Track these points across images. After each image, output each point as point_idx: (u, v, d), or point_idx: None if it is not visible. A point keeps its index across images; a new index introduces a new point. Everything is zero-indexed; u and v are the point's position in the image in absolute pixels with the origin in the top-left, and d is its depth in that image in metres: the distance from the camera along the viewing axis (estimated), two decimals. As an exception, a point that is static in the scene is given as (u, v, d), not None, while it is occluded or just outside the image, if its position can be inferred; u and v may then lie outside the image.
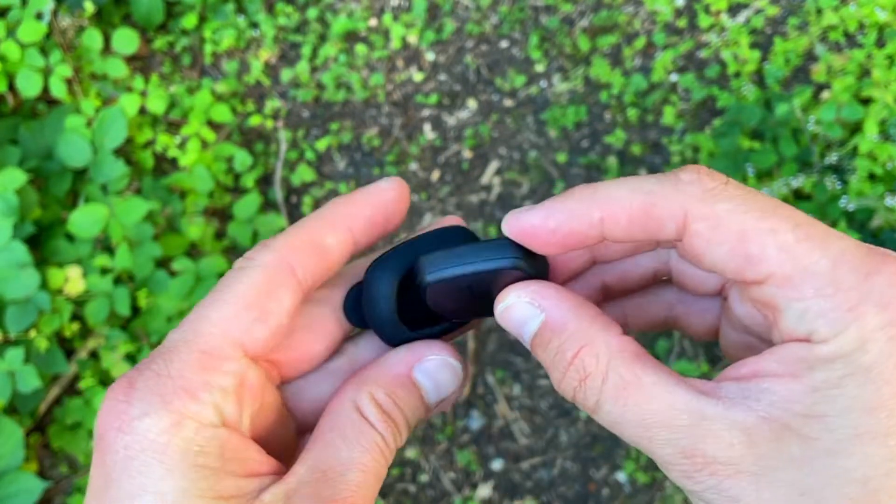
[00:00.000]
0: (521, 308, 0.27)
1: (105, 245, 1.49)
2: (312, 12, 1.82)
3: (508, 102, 1.73)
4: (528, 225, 0.27)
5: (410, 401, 0.29)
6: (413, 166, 1.71)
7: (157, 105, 1.63)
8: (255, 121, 1.75)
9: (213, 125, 1.71)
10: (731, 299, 0.31)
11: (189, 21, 1.78)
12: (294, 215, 1.70)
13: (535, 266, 0.29)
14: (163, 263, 1.53)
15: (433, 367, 0.29)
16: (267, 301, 0.27)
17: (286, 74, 1.79)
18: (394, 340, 0.30)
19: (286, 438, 0.31)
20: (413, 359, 0.29)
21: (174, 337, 0.26)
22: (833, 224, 1.40)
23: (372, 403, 0.28)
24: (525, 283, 0.28)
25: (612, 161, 1.65)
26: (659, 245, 0.31)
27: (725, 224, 0.25)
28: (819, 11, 1.67)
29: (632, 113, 1.67)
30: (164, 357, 0.25)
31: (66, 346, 1.49)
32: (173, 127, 1.73)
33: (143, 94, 1.67)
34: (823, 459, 0.23)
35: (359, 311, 0.31)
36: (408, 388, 0.28)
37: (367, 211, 0.30)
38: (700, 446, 0.24)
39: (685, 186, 0.25)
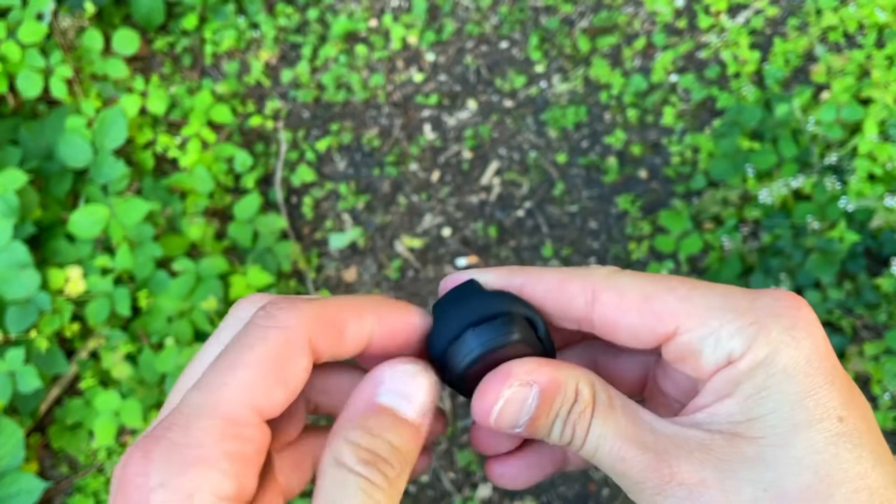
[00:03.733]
0: (519, 393, 0.28)
1: (105, 245, 1.50)
2: (313, 13, 1.82)
3: (508, 103, 1.73)
4: (458, 282, 0.32)
5: (385, 426, 0.28)
6: (413, 167, 1.71)
7: (157, 106, 1.64)
8: (255, 121, 1.75)
9: (214, 126, 1.71)
10: (657, 380, 0.34)
11: (189, 22, 1.79)
12: (294, 215, 1.70)
13: (535, 338, 0.30)
14: (163, 264, 1.53)
15: (392, 383, 0.28)
16: (286, 367, 0.26)
17: (286, 75, 1.79)
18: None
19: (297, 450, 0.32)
20: (374, 384, 0.28)
21: (193, 401, 0.25)
22: (833, 224, 1.40)
23: (349, 448, 0.27)
24: (502, 373, 0.29)
25: (611, 161, 1.65)
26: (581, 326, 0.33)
27: (629, 291, 0.29)
28: (819, 12, 1.68)
29: (631, 113, 1.67)
30: (183, 425, 0.25)
31: (67, 347, 1.50)
32: (174, 127, 1.73)
33: (144, 94, 1.67)
34: (774, 452, 0.26)
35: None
36: (378, 414, 0.28)
37: (397, 328, 0.29)
38: (666, 459, 0.26)
39: (593, 271, 0.30)
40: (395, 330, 0.29)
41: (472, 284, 0.31)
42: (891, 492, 0.25)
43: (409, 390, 0.28)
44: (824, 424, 0.26)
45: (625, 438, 0.27)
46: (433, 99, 1.75)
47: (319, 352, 0.27)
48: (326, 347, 0.28)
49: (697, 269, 1.55)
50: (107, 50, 1.71)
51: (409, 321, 0.30)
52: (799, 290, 1.41)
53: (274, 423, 0.28)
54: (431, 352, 0.30)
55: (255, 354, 0.26)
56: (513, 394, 0.28)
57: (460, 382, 0.30)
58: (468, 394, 0.31)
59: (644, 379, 0.34)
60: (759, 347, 0.27)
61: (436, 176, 1.70)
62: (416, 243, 1.65)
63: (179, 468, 0.24)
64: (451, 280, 0.32)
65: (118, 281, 1.46)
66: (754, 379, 0.27)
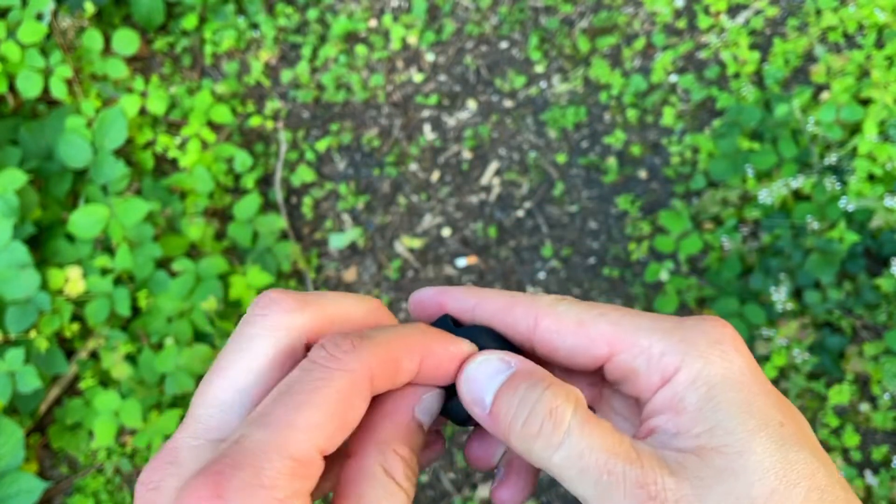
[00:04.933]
0: (491, 363, 0.31)
1: (105, 245, 1.50)
2: (312, 13, 1.82)
3: (508, 103, 1.74)
4: (422, 297, 0.35)
5: (420, 440, 0.31)
6: (413, 167, 1.71)
7: (157, 106, 1.64)
8: (255, 121, 1.75)
9: (214, 126, 1.71)
10: (608, 400, 0.35)
11: (189, 22, 1.79)
12: (294, 215, 1.70)
13: None
14: (163, 264, 1.53)
15: (428, 402, 0.32)
16: (349, 410, 0.27)
17: (286, 75, 1.79)
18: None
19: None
20: (412, 401, 0.31)
21: (258, 437, 0.25)
22: (833, 225, 1.40)
23: (399, 462, 0.29)
24: (486, 350, 0.32)
25: (611, 162, 1.65)
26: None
27: (566, 317, 0.31)
28: (818, 12, 1.68)
29: (631, 114, 1.67)
30: (254, 464, 0.25)
31: (67, 347, 1.50)
32: (173, 128, 1.73)
33: (144, 94, 1.67)
34: (738, 460, 0.27)
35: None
36: (417, 430, 0.31)
37: (443, 361, 0.31)
38: (652, 475, 0.27)
39: (537, 298, 0.32)
40: (440, 363, 0.31)
41: (446, 321, 0.34)
42: (837, 489, 0.27)
43: (434, 409, 0.32)
44: (770, 430, 0.27)
45: (612, 451, 0.28)
46: (433, 99, 1.75)
47: (376, 389, 0.29)
48: (382, 385, 0.29)
49: (697, 269, 1.55)
50: (107, 50, 1.71)
51: (453, 354, 0.31)
52: (799, 291, 1.41)
53: None
54: None
55: (321, 397, 0.26)
56: (489, 360, 0.31)
57: (463, 416, 0.33)
58: (468, 422, 0.34)
59: (594, 400, 0.35)
60: (692, 362, 0.29)
61: (436, 176, 1.71)
62: (416, 243, 1.65)
63: None
64: (419, 300, 0.35)
65: (118, 281, 1.46)
66: (697, 391, 0.28)
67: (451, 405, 0.32)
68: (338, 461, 0.30)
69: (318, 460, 0.26)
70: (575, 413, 0.28)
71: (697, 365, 0.29)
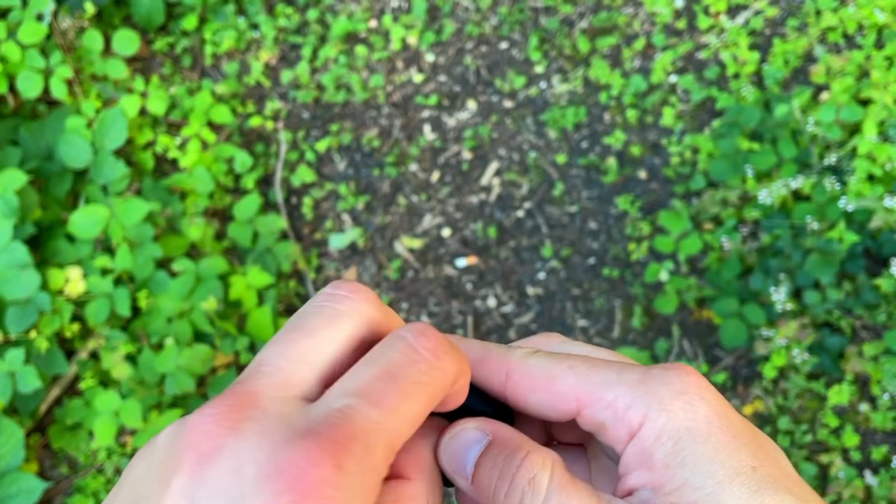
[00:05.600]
0: (467, 433, 0.31)
1: (105, 246, 1.50)
2: (312, 13, 1.82)
3: (508, 103, 1.74)
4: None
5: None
6: (413, 167, 1.71)
7: (157, 106, 1.64)
8: (255, 122, 1.75)
9: (214, 126, 1.72)
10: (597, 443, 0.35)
11: (189, 22, 1.79)
12: (294, 216, 1.70)
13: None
14: (163, 264, 1.53)
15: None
16: (428, 412, 0.27)
17: (286, 76, 1.80)
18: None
19: None
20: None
21: (374, 416, 0.25)
22: (833, 225, 1.40)
23: (422, 497, 0.30)
24: (465, 419, 0.32)
25: (611, 162, 1.65)
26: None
27: (537, 373, 0.31)
28: (818, 13, 1.68)
29: (631, 114, 1.67)
30: (370, 443, 0.25)
31: (67, 347, 1.50)
32: (174, 128, 1.73)
33: (144, 95, 1.67)
34: None
35: None
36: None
37: (455, 394, 0.31)
38: None
39: (509, 351, 0.32)
40: (457, 392, 0.31)
41: None
42: None
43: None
44: (742, 478, 0.27)
45: None
46: (433, 99, 1.75)
47: None
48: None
49: (697, 269, 1.55)
50: (107, 50, 1.71)
51: (462, 388, 0.31)
52: (798, 291, 1.41)
53: None
54: None
55: (424, 391, 0.27)
56: (464, 430, 0.31)
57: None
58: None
59: (584, 439, 0.36)
60: (655, 416, 0.29)
61: (436, 176, 1.71)
62: (416, 243, 1.66)
63: (364, 490, 0.24)
64: None
65: (118, 281, 1.46)
66: (663, 447, 0.28)
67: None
68: None
69: (399, 450, 0.26)
70: (551, 479, 0.28)
71: (662, 419, 0.28)
